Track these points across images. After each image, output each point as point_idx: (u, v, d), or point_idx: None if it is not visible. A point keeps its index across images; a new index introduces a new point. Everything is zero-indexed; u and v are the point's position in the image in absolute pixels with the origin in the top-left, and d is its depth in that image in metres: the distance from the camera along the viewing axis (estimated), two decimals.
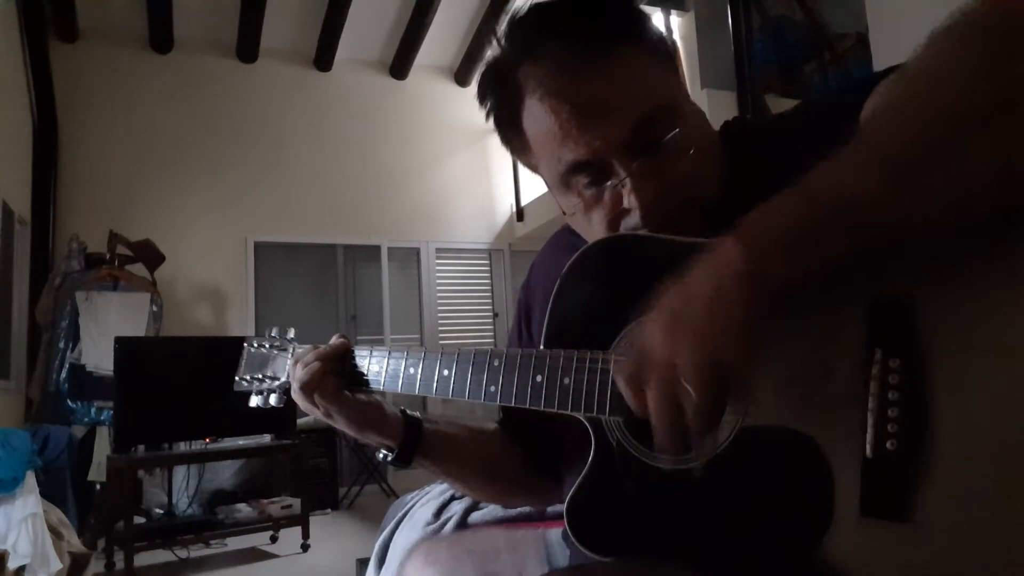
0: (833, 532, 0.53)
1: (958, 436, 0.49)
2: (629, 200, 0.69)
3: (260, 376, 0.95)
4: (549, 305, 0.72)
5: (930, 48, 0.53)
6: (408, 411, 0.87)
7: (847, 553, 0.52)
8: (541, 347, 0.71)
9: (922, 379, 0.51)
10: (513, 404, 0.70)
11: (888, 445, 0.51)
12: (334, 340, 0.87)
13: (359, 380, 0.84)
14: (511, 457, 0.92)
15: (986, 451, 0.48)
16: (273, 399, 0.92)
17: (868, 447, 0.52)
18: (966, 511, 0.48)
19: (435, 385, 0.77)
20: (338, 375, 0.83)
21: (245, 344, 0.99)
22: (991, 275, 0.50)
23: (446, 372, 0.76)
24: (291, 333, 0.96)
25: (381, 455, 0.86)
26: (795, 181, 0.53)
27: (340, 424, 0.82)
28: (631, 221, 0.70)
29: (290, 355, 0.93)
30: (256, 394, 0.95)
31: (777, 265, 0.52)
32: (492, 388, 0.72)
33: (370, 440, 0.85)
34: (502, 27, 0.73)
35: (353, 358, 0.85)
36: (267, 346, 0.97)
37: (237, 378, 0.97)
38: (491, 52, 0.74)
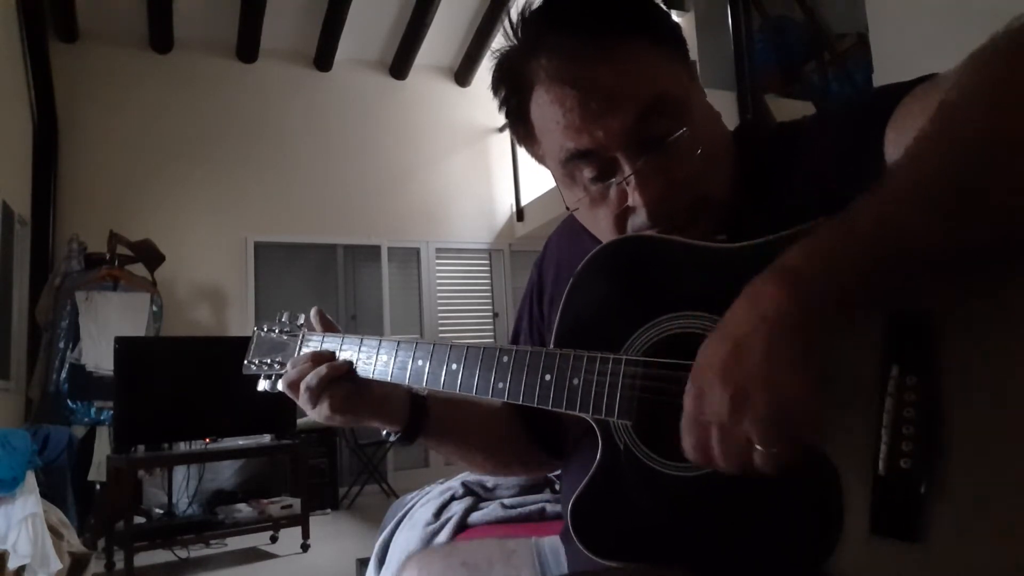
0: (841, 548, 0.52)
1: (973, 457, 0.49)
2: (634, 198, 0.68)
3: (269, 361, 0.96)
4: (561, 303, 0.71)
5: (978, 73, 0.50)
6: (415, 389, 0.88)
7: (854, 570, 0.52)
8: (552, 345, 0.71)
9: (939, 398, 0.50)
10: (521, 402, 0.70)
11: (902, 463, 0.50)
12: (314, 314, 0.91)
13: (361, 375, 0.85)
14: (514, 433, 0.93)
15: (1001, 473, 0.48)
16: (281, 384, 0.93)
17: (881, 464, 0.51)
18: (978, 534, 0.48)
19: (443, 379, 0.77)
20: (339, 381, 0.83)
21: (255, 329, 1.00)
22: (1013, 294, 0.49)
23: (455, 366, 0.76)
24: (301, 319, 0.97)
25: (384, 433, 0.88)
26: (839, 217, 0.51)
27: (339, 424, 0.85)
28: (638, 220, 0.70)
29: (300, 341, 0.94)
30: (264, 378, 0.96)
31: (829, 312, 0.49)
32: (500, 385, 0.71)
33: (372, 426, 0.87)
34: (515, 19, 0.73)
35: (354, 370, 0.85)
36: (277, 331, 0.98)
37: (246, 362, 0.98)
38: (504, 44, 0.74)
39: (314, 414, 0.83)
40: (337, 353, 0.87)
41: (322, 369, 0.82)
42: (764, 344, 0.49)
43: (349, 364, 0.84)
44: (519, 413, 0.92)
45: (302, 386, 0.82)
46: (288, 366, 0.87)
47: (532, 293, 0.95)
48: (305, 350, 0.92)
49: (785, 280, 0.50)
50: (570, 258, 0.72)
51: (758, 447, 0.49)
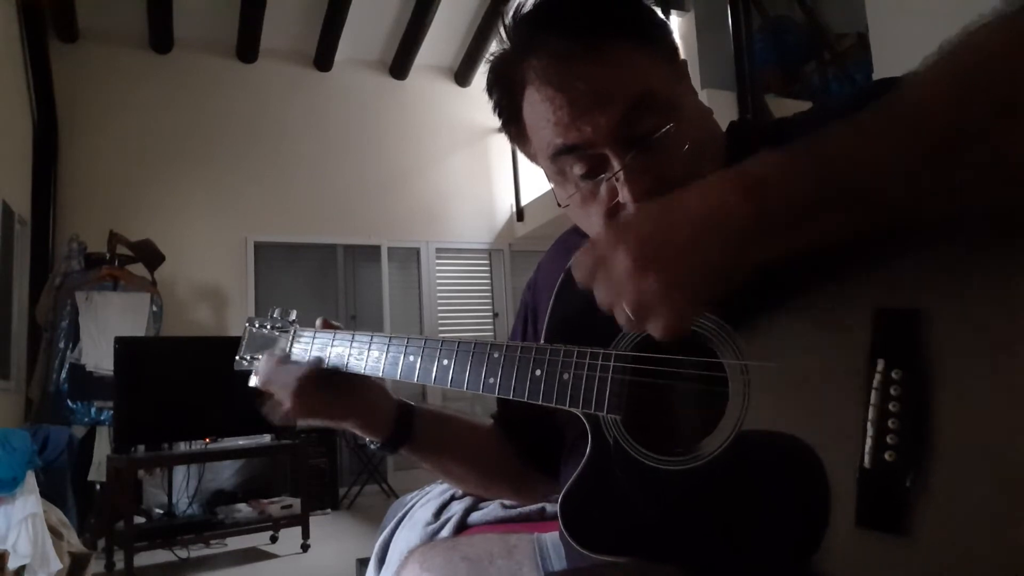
0: (827, 541, 0.52)
1: (958, 450, 0.49)
2: (623, 194, 0.69)
3: (260, 356, 0.95)
4: (551, 301, 0.72)
5: (970, 36, 0.50)
6: (404, 401, 0.89)
7: (840, 563, 0.52)
8: (542, 341, 0.71)
9: (924, 391, 0.50)
10: (511, 397, 0.70)
11: (886, 456, 0.50)
12: (319, 326, 0.91)
13: (352, 371, 0.86)
14: (503, 454, 0.92)
15: (985, 467, 0.48)
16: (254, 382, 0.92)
17: (866, 457, 0.51)
18: (963, 526, 0.48)
19: (434, 374, 0.77)
20: (321, 378, 0.84)
21: (247, 324, 1.00)
22: (1001, 290, 0.49)
23: (446, 361, 0.76)
24: (293, 315, 0.97)
25: (368, 440, 0.88)
26: (814, 136, 0.51)
27: (318, 423, 0.86)
28: None
29: (291, 336, 0.94)
30: (256, 374, 0.95)
31: (779, 230, 0.51)
32: (491, 380, 0.72)
33: (353, 431, 0.87)
34: (507, 22, 0.74)
35: (334, 362, 0.86)
36: (268, 327, 0.98)
37: (237, 357, 0.98)
38: (497, 47, 0.75)
39: (290, 415, 0.84)
40: (328, 348, 0.87)
41: (286, 371, 0.84)
42: (693, 241, 0.52)
43: (317, 361, 0.85)
44: (511, 434, 0.92)
45: (276, 389, 0.84)
46: (260, 366, 0.88)
47: (526, 315, 0.95)
48: (297, 346, 0.92)
49: (744, 187, 0.51)
50: (558, 280, 0.73)
51: (624, 307, 0.53)
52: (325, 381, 0.85)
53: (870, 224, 0.51)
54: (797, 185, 0.50)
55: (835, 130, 0.51)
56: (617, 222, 0.57)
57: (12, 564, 2.37)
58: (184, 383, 3.74)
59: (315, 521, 4.01)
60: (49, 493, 2.88)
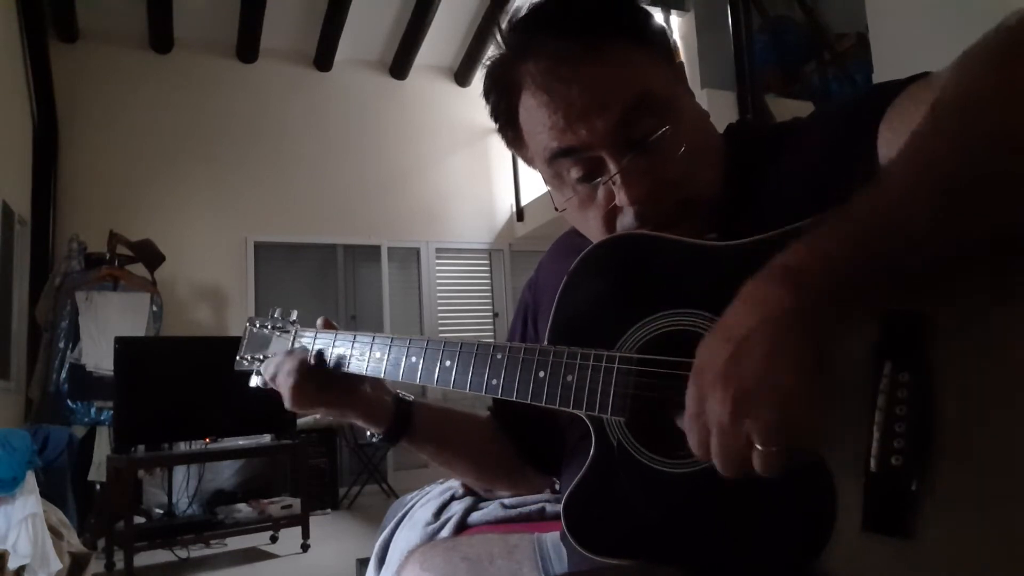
0: (833, 545, 0.52)
1: (964, 454, 0.49)
2: (620, 197, 0.69)
3: (261, 356, 0.96)
4: (555, 302, 0.72)
5: (971, 72, 0.50)
6: (401, 395, 0.89)
7: (846, 567, 0.52)
8: (545, 342, 0.71)
9: (931, 395, 0.50)
10: (515, 399, 0.70)
11: (893, 460, 0.50)
12: (320, 324, 0.92)
13: (353, 372, 0.86)
14: (499, 446, 0.93)
15: (992, 471, 0.48)
16: (261, 379, 0.93)
17: (873, 461, 0.51)
18: (968, 531, 0.48)
19: (437, 375, 0.77)
20: (322, 373, 0.85)
21: (247, 324, 1.01)
22: (1007, 293, 0.49)
23: (448, 363, 0.76)
24: (294, 315, 0.98)
25: (368, 434, 0.89)
26: (836, 214, 0.51)
27: (320, 414, 0.87)
28: (626, 219, 0.71)
29: (292, 337, 0.94)
30: (256, 374, 0.95)
31: (830, 311, 0.50)
32: (494, 381, 0.72)
33: (353, 422, 0.89)
34: (503, 27, 0.74)
35: (335, 360, 0.87)
36: (269, 327, 0.98)
37: (238, 357, 0.98)
38: (493, 51, 0.76)
39: (289, 405, 0.85)
40: (330, 349, 0.87)
41: (291, 360, 0.84)
42: (765, 346, 0.48)
43: (318, 353, 0.86)
44: (509, 431, 0.93)
45: (278, 379, 0.84)
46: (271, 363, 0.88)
47: (526, 314, 0.95)
48: (298, 346, 0.92)
49: (786, 280, 0.50)
50: (562, 279, 0.73)
51: (758, 447, 0.49)
52: (325, 376, 0.86)
53: (913, 278, 0.50)
54: (836, 265, 0.49)
55: (855, 203, 0.51)
56: (695, 377, 0.52)
57: (12, 564, 2.37)
58: (184, 383, 3.74)
59: (315, 521, 4.01)
60: (49, 493, 2.88)
